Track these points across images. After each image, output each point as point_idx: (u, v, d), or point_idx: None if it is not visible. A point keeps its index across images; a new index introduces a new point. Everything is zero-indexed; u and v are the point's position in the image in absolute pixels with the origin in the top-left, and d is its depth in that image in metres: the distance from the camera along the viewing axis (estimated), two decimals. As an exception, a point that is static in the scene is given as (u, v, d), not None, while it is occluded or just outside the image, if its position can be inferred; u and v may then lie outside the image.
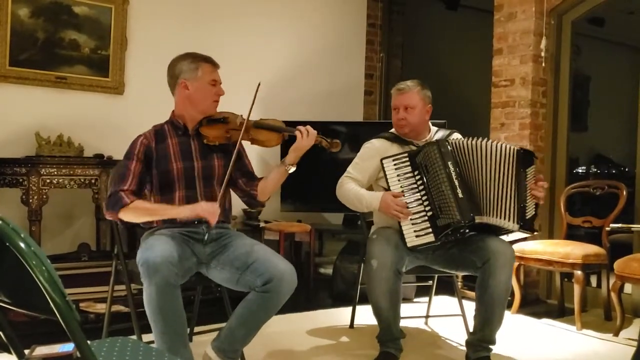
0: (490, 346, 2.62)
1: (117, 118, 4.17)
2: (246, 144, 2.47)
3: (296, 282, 2.21)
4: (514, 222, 2.52)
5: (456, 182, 2.53)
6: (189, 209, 2.23)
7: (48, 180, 3.53)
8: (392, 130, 2.89)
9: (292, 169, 2.37)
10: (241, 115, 2.39)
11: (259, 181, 2.47)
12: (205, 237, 2.32)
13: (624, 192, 3.66)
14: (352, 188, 2.74)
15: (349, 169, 2.83)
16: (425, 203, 2.58)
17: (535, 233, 2.75)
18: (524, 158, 2.57)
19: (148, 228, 2.37)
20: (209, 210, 2.21)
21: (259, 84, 2.34)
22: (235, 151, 2.32)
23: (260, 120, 2.40)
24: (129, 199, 2.22)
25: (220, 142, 2.36)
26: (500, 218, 2.54)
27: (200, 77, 2.35)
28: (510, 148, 2.57)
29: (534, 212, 2.60)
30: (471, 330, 2.67)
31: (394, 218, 2.59)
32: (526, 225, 2.55)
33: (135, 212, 2.23)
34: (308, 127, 2.34)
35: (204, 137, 2.34)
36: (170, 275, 2.04)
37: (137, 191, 2.29)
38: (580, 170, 6.46)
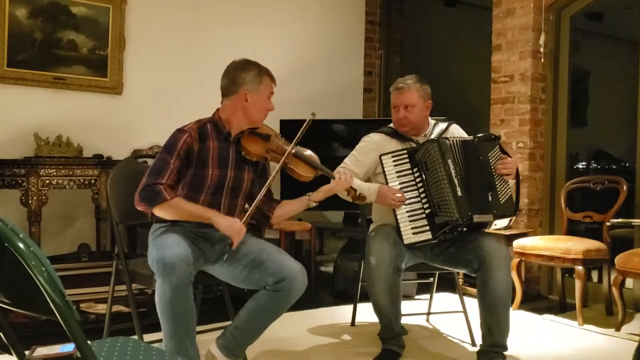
0: (504, 352, 2.55)
1: (116, 118, 4.16)
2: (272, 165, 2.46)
3: (307, 282, 2.23)
4: (489, 212, 2.54)
5: (456, 180, 2.52)
6: (226, 223, 2.19)
7: (47, 181, 3.52)
8: (391, 125, 2.87)
9: (314, 205, 2.40)
10: (281, 136, 2.40)
11: (277, 204, 2.46)
12: (225, 257, 2.31)
13: (624, 187, 3.66)
14: None
15: (346, 160, 2.81)
16: (424, 200, 2.58)
17: (518, 213, 2.76)
18: (480, 145, 2.60)
19: (158, 222, 2.34)
20: (237, 232, 2.18)
21: (313, 115, 2.36)
22: (271, 177, 2.33)
23: (300, 150, 2.37)
24: (168, 195, 2.16)
25: (257, 160, 2.36)
26: (480, 213, 2.55)
27: (262, 92, 2.33)
28: (469, 140, 2.62)
29: (510, 192, 2.60)
30: (479, 339, 2.62)
31: (391, 207, 2.59)
32: (502, 211, 2.56)
33: (173, 211, 2.18)
34: (346, 172, 2.39)
35: (243, 149, 2.32)
36: (185, 275, 2.04)
37: (174, 186, 2.24)
38: (580, 166, 6.45)
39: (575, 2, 4.14)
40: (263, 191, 2.30)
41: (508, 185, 2.61)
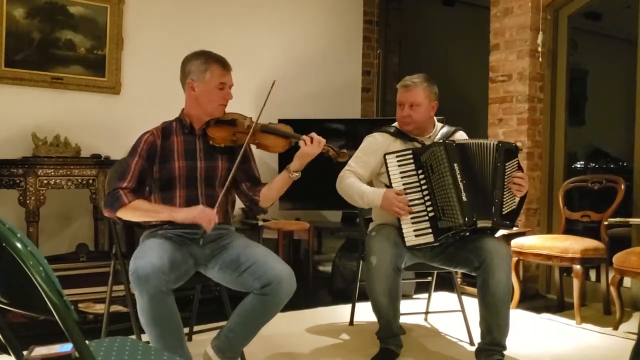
0: (502, 351, 2.54)
1: (114, 118, 4.16)
2: (252, 148, 2.44)
3: (295, 284, 2.19)
4: (488, 218, 2.52)
5: (461, 185, 2.50)
6: (185, 212, 2.20)
7: (45, 181, 3.52)
8: (395, 124, 2.85)
9: (296, 176, 2.31)
10: (250, 118, 2.35)
11: (262, 186, 2.43)
12: (200, 242, 2.28)
13: (622, 186, 3.66)
14: (353, 183, 2.69)
15: (351, 162, 2.77)
16: (428, 203, 2.55)
17: (514, 229, 2.74)
18: (503, 152, 2.56)
19: (147, 227, 2.35)
20: (205, 216, 2.16)
21: (274, 82, 2.30)
22: (241, 153, 2.28)
23: (268, 124, 2.36)
24: (127, 199, 2.21)
25: (225, 145, 2.32)
26: (483, 219, 2.53)
27: (208, 80, 2.30)
28: (490, 143, 2.58)
29: (514, 207, 2.58)
30: (478, 339, 2.61)
31: (395, 215, 2.57)
32: (501, 220, 2.53)
33: (133, 212, 2.23)
34: (313, 134, 2.29)
35: (209, 137, 2.31)
36: (161, 284, 2.02)
37: (137, 188, 2.27)
38: (578, 165, 6.45)
39: (573, 1, 4.14)
40: (234, 170, 2.26)
41: (515, 199, 2.58)
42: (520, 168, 2.62)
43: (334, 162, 2.38)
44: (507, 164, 2.57)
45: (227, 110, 2.40)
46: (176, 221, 2.22)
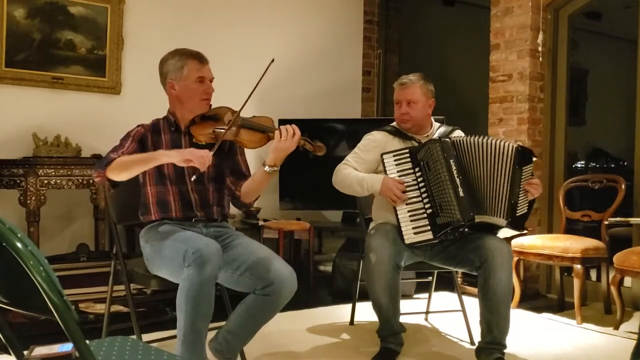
0: (502, 350, 2.55)
1: (114, 118, 4.16)
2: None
3: (296, 285, 2.19)
4: (502, 217, 2.52)
5: (458, 181, 2.51)
6: (177, 153, 2.11)
7: (46, 181, 3.52)
8: (394, 124, 2.87)
9: (271, 170, 2.21)
10: (231, 111, 2.31)
11: (245, 180, 2.39)
12: (203, 232, 2.29)
13: (623, 186, 3.66)
14: (350, 172, 2.72)
15: (348, 157, 2.80)
16: (425, 200, 2.57)
17: (524, 232, 2.73)
18: (522, 156, 2.54)
19: (147, 223, 2.35)
20: (199, 155, 2.06)
21: (272, 60, 2.24)
22: (216, 146, 2.19)
23: (248, 118, 2.31)
24: (116, 156, 2.19)
25: (207, 142, 2.27)
26: (492, 215, 2.54)
27: (186, 76, 2.29)
28: (509, 145, 2.55)
29: (526, 210, 2.58)
30: (478, 338, 2.61)
31: (391, 204, 2.59)
32: (515, 222, 2.53)
33: (122, 166, 2.15)
34: (292, 126, 2.19)
35: (193, 136, 2.29)
36: (217, 269, 2.04)
37: None
38: (578, 165, 6.45)
39: (573, 1, 4.14)
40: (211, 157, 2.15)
41: (527, 203, 2.58)
42: (532, 175, 2.62)
43: (310, 156, 2.26)
44: (524, 168, 2.55)
45: (221, 104, 2.38)
46: (170, 161, 2.13)
